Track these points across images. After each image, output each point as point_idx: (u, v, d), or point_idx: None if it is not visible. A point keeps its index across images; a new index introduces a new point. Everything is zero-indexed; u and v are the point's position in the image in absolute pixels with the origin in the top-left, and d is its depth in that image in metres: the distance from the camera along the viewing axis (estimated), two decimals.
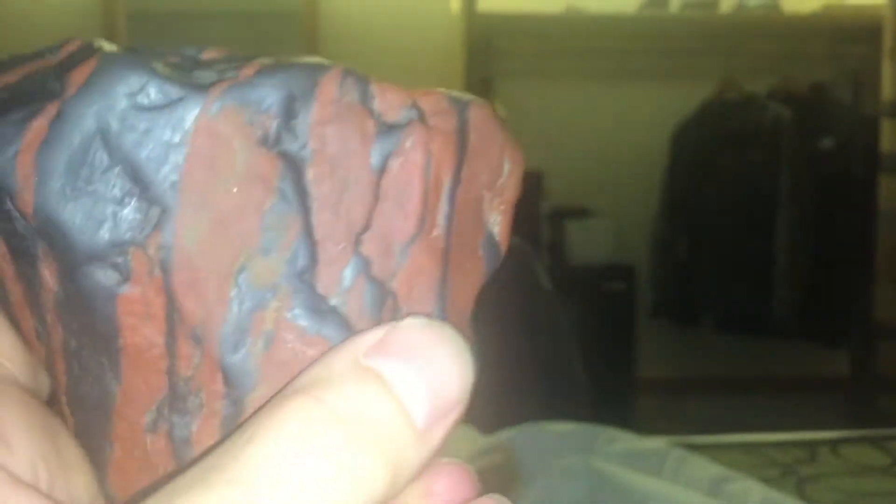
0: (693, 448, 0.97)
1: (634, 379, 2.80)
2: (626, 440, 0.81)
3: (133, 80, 0.18)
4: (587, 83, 3.02)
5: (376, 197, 0.19)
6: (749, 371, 3.04)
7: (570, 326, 1.74)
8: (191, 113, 0.18)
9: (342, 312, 0.19)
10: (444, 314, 0.20)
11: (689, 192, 2.92)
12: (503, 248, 0.22)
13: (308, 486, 0.16)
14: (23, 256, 0.19)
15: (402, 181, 0.19)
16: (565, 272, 2.77)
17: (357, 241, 0.19)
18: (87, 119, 0.18)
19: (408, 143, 0.19)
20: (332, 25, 2.84)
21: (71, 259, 0.18)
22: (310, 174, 0.19)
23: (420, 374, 0.17)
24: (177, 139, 0.18)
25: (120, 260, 0.18)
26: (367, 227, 0.19)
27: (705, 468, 0.77)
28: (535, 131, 2.98)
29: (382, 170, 0.19)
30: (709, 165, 2.89)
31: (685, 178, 2.93)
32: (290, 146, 0.19)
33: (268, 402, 0.17)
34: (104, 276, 0.18)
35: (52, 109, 0.18)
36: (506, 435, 0.85)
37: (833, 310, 2.84)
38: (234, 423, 0.19)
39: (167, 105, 0.18)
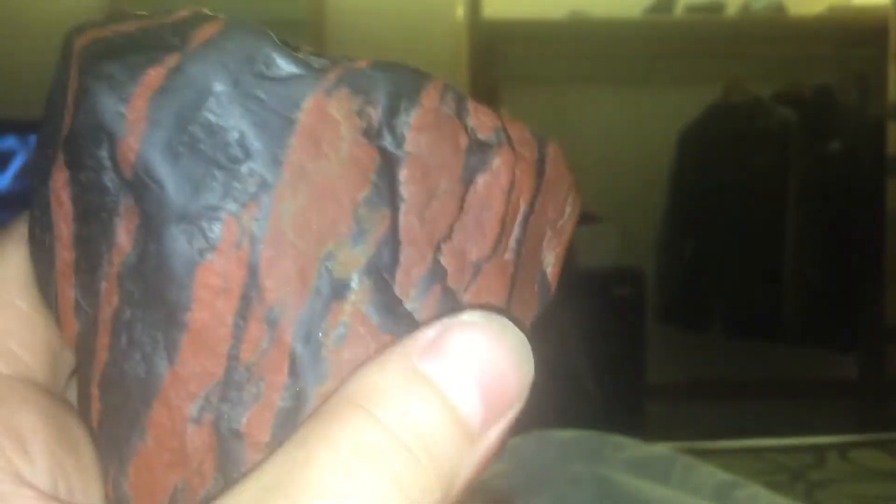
0: (702, 453, 0.97)
1: (643, 384, 2.79)
2: (633, 447, 0.80)
3: (258, 48, 0.19)
4: (592, 88, 3.02)
5: (460, 209, 0.19)
6: (758, 376, 3.03)
7: (578, 331, 1.74)
8: (307, 91, 0.18)
9: (416, 317, 0.19)
10: None
11: (696, 196, 2.92)
12: (553, 289, 0.22)
13: None
14: (94, 215, 0.19)
15: (486, 198, 0.19)
16: (572, 277, 2.76)
17: (437, 250, 0.19)
18: (206, 76, 0.18)
19: (496, 163, 0.19)
20: (338, 33, 2.85)
21: (160, 217, 0.18)
22: (402, 175, 0.19)
23: (476, 376, 0.17)
24: (290, 114, 0.18)
25: (212, 225, 0.18)
26: (448, 238, 0.19)
27: (713, 475, 0.77)
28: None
29: (469, 183, 0.19)
30: (715, 169, 2.89)
31: (692, 181, 2.93)
32: (389, 144, 0.19)
33: (322, 407, 0.17)
34: (191, 240, 0.18)
35: (171, 60, 0.18)
36: (512, 442, 0.85)
37: (842, 314, 2.83)
38: (290, 418, 0.18)
39: (286, 79, 0.18)
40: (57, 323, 0.20)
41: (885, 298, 2.66)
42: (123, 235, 0.18)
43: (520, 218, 0.20)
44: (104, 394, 0.19)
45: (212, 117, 0.18)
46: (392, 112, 0.19)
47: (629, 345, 2.77)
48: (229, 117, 0.18)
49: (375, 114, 0.19)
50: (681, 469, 0.78)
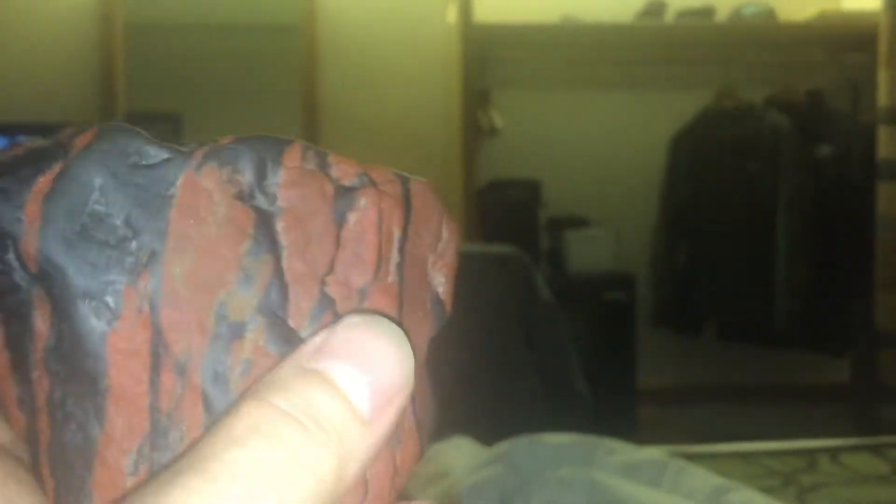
0: (693, 457, 0.97)
1: (635, 388, 2.80)
2: (625, 451, 0.80)
3: (130, 143, 0.21)
4: (584, 93, 3.03)
5: (337, 246, 0.21)
6: (750, 380, 3.04)
7: (570, 336, 1.74)
8: (178, 171, 0.21)
9: None
10: None
11: (687, 201, 2.93)
12: (448, 307, 0.24)
13: (261, 481, 0.17)
14: (15, 315, 0.21)
15: (359, 233, 0.22)
16: (565, 282, 2.77)
17: (322, 283, 0.21)
18: (88, 175, 0.21)
19: (362, 202, 0.22)
20: (331, 38, 2.85)
21: (67, 298, 0.20)
22: (279, 226, 0.21)
23: (360, 366, 0.19)
24: (166, 192, 0.21)
25: (112, 297, 0.20)
26: (331, 271, 0.21)
27: (705, 479, 0.77)
28: (532, 141, 2.98)
29: (341, 223, 0.21)
30: (707, 174, 2.90)
31: (684, 186, 2.94)
32: (262, 203, 0.21)
33: (230, 405, 0.19)
34: (98, 313, 0.20)
35: (56, 168, 0.21)
36: (505, 446, 0.84)
37: (833, 318, 2.84)
38: None
39: (158, 164, 0.21)
40: (7, 420, 0.22)
41: (877, 303, 2.67)
42: (41, 323, 0.21)
43: (395, 245, 0.22)
44: (53, 470, 0.21)
45: (98, 207, 0.20)
46: (259, 176, 0.21)
47: (621, 349, 2.77)
48: (113, 205, 0.20)
49: (244, 179, 0.21)
50: (673, 473, 0.78)
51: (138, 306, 0.20)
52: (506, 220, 2.86)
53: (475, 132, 2.80)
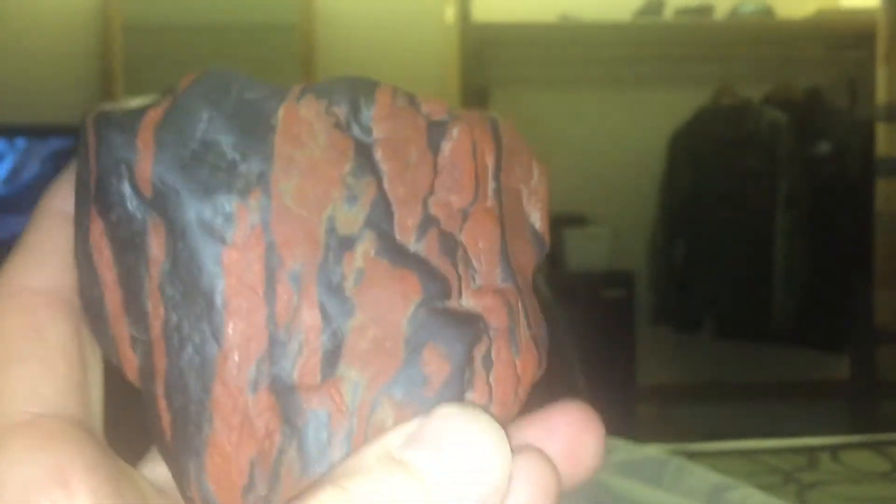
0: (693, 455, 0.97)
1: (634, 385, 2.80)
2: (625, 450, 0.80)
3: (233, 81, 0.22)
4: (583, 91, 3.03)
5: (435, 171, 0.22)
6: (749, 377, 3.04)
7: (569, 334, 1.74)
8: (279, 103, 0.22)
9: (421, 255, 0.21)
10: (509, 269, 0.22)
11: (686, 199, 2.93)
12: (546, 240, 0.24)
13: None
14: (129, 245, 0.21)
15: (455, 159, 0.22)
16: (563, 279, 2.77)
17: (425, 204, 0.22)
18: (196, 106, 0.21)
19: (455, 132, 0.22)
20: (329, 37, 2.85)
21: (182, 219, 0.21)
22: (377, 155, 0.22)
23: (452, 462, 0.17)
24: (269, 121, 0.21)
25: (225, 215, 0.21)
26: (431, 194, 0.22)
27: (705, 477, 0.77)
28: (531, 139, 2.94)
29: (436, 152, 0.22)
30: (706, 171, 2.90)
31: (683, 184, 2.94)
32: (358, 134, 0.22)
33: (307, 489, 0.19)
34: (212, 231, 0.21)
35: (165, 103, 0.22)
36: None
37: (832, 315, 2.84)
38: (333, 356, 0.20)
39: (259, 98, 0.22)
40: (120, 367, 0.22)
41: (876, 299, 2.67)
42: (156, 248, 0.21)
43: (490, 172, 0.23)
44: (170, 402, 0.21)
45: (206, 136, 0.21)
46: (354, 109, 0.22)
47: (620, 347, 2.77)
48: (220, 133, 0.21)
49: (341, 111, 0.22)
50: (673, 471, 0.78)
51: (250, 222, 0.21)
52: None
53: None
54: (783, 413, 2.80)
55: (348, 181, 0.21)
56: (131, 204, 0.21)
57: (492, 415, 0.19)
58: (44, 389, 0.21)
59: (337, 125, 0.22)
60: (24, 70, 2.72)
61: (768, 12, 3.00)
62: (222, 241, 0.21)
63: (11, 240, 0.24)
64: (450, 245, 0.22)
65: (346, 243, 0.21)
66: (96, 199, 0.22)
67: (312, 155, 0.21)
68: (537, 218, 0.24)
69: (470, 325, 0.21)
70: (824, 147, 2.85)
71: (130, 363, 0.22)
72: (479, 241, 0.22)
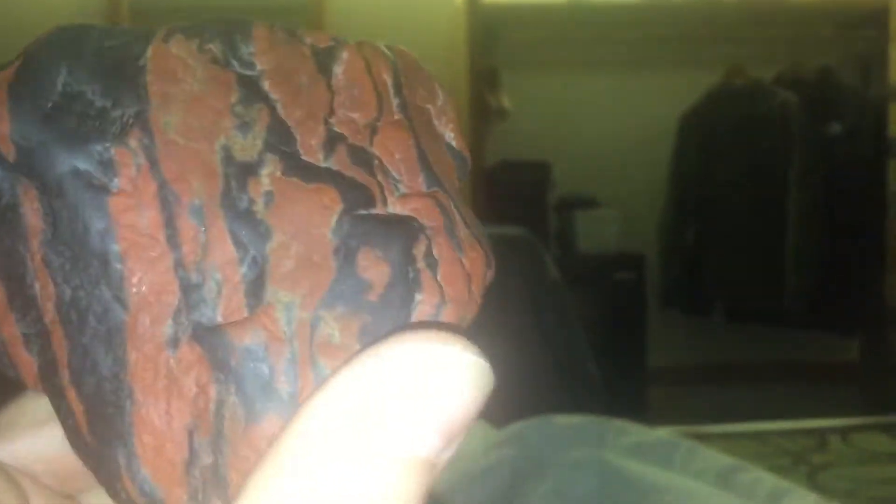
0: (704, 437, 0.97)
1: (645, 368, 2.80)
2: (636, 432, 0.80)
3: (91, 29, 0.20)
4: (593, 72, 3.02)
5: (332, 92, 0.20)
6: (760, 359, 3.04)
7: (580, 317, 1.74)
8: (145, 44, 0.20)
9: (334, 169, 0.19)
10: (433, 175, 0.20)
11: (697, 180, 2.92)
12: (467, 156, 0.22)
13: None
14: (1, 226, 0.19)
15: (350, 78, 0.20)
16: (574, 262, 2.77)
17: (326, 123, 0.20)
18: (52, 58, 0.19)
19: (344, 55, 0.21)
20: (338, 19, 2.84)
21: (56, 174, 0.18)
22: (265, 84, 0.20)
23: (425, 404, 0.16)
24: (137, 63, 0.19)
25: (104, 159, 0.18)
26: (331, 113, 0.20)
27: (715, 459, 0.77)
28: (541, 121, 2.97)
29: (329, 75, 0.20)
30: (717, 153, 2.89)
31: (693, 166, 2.92)
32: (239, 68, 0.20)
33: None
34: (92, 181, 0.18)
35: (17, 61, 0.20)
36: (516, 428, 0.85)
37: (844, 297, 2.83)
38: (257, 284, 0.18)
39: (122, 43, 0.20)
40: (19, 377, 0.20)
41: (887, 281, 2.66)
42: (32, 217, 0.19)
43: (391, 88, 0.21)
44: (79, 389, 0.18)
45: (68, 87, 0.19)
46: (231, 46, 0.20)
47: (631, 329, 2.77)
48: (83, 82, 0.19)
49: (216, 48, 0.20)
50: (684, 453, 0.78)
51: (135, 164, 0.18)
52: (515, 201, 2.86)
53: (483, 113, 2.79)
54: (793, 395, 2.79)
55: (237, 110, 0.19)
56: None
57: (448, 318, 0.18)
58: None
59: (214, 61, 0.20)
60: None
61: None
62: (106, 190, 0.18)
63: None
64: (363, 157, 0.19)
65: (248, 169, 0.19)
66: None
67: (191, 89, 0.19)
68: (452, 137, 0.22)
69: (402, 225, 0.19)
70: (836, 127, 2.84)
71: (28, 366, 0.19)
72: (395, 153, 0.20)
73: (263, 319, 0.18)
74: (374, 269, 0.18)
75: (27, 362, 0.19)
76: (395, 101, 0.21)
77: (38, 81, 0.19)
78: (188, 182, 0.18)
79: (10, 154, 0.19)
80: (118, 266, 0.18)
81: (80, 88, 0.19)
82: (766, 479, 0.76)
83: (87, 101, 0.19)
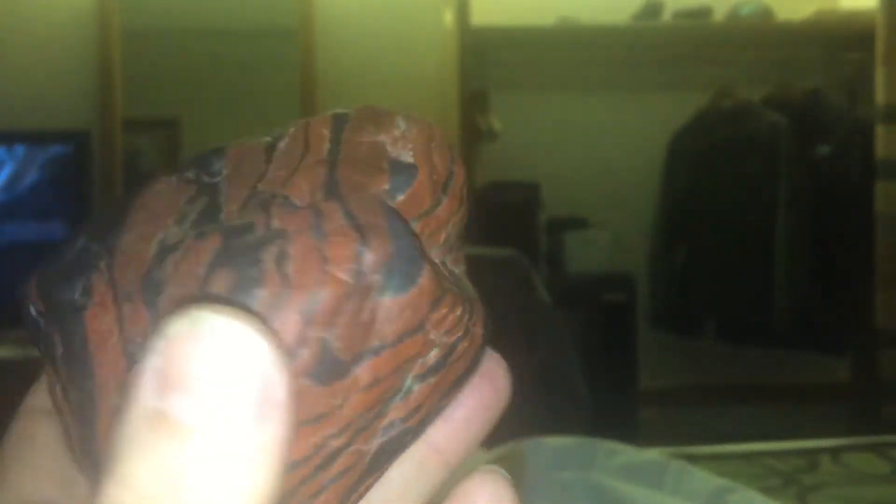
0: (695, 458, 0.97)
1: (635, 389, 2.79)
2: (626, 453, 0.80)
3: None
4: (582, 94, 3.03)
5: (269, 163, 0.22)
6: (750, 380, 3.04)
7: (570, 337, 1.74)
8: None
9: (226, 221, 0.21)
10: (334, 187, 0.21)
11: (686, 201, 2.93)
12: (417, 168, 0.22)
13: None
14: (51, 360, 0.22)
15: (289, 143, 0.22)
16: (564, 283, 2.77)
17: (254, 188, 0.21)
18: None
19: (291, 129, 0.23)
20: (328, 42, 2.85)
21: (62, 311, 0.21)
22: (221, 183, 0.22)
23: (216, 398, 0.16)
24: (129, 204, 0.22)
25: (86, 287, 0.21)
26: (262, 178, 0.21)
27: (706, 480, 0.77)
28: (531, 143, 2.98)
29: (273, 150, 0.22)
30: (706, 174, 2.90)
31: (682, 187, 2.94)
32: (206, 179, 0.22)
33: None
34: (77, 305, 0.21)
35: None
36: (506, 449, 0.84)
37: (833, 317, 2.84)
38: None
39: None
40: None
41: (876, 301, 2.67)
42: (58, 341, 0.22)
43: (327, 136, 0.22)
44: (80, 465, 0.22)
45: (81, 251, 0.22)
46: (205, 166, 0.23)
47: (621, 350, 2.77)
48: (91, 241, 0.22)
49: (192, 173, 0.23)
50: (674, 474, 0.78)
51: (103, 281, 0.21)
52: (505, 221, 2.86)
53: (473, 135, 2.80)
54: (784, 415, 2.79)
55: (183, 208, 0.21)
56: (42, 322, 0.22)
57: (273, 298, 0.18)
58: (32, 486, 0.23)
59: (187, 181, 0.22)
60: (23, 76, 2.72)
61: (767, 14, 3.00)
62: (84, 308, 0.21)
63: (11, 246, 0.26)
64: (264, 199, 0.20)
65: (170, 249, 0.20)
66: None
67: (156, 205, 0.22)
68: (410, 155, 0.22)
69: (261, 238, 0.19)
70: (824, 149, 2.85)
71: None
72: (304, 185, 0.21)
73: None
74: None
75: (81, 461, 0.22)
76: (325, 147, 0.22)
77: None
78: (126, 275, 0.21)
79: (40, 305, 0.22)
80: (90, 358, 0.21)
81: (89, 245, 0.22)
82: (757, 500, 0.75)
83: (87, 249, 0.22)
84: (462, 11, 2.72)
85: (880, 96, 2.62)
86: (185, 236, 0.20)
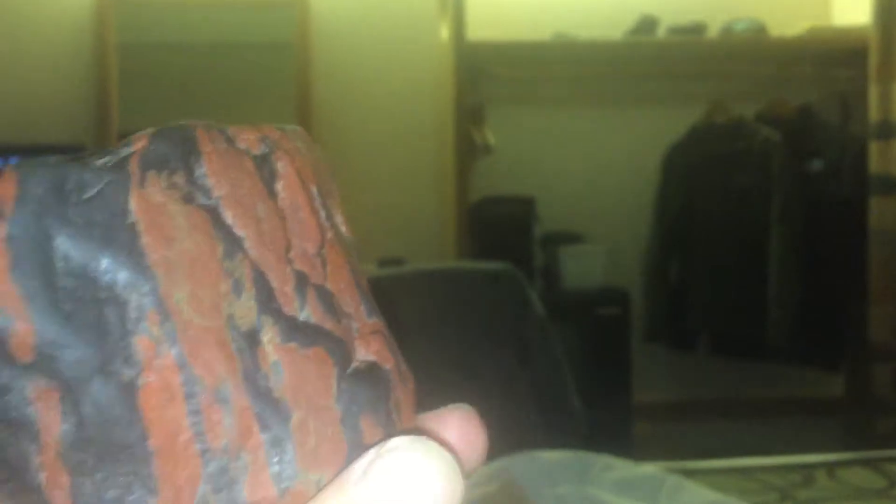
0: (689, 473, 0.96)
1: (630, 403, 2.79)
2: (620, 468, 0.80)
3: (64, 178, 0.19)
4: (577, 109, 3.04)
5: (282, 219, 0.21)
6: (744, 395, 3.03)
7: (564, 352, 1.74)
8: (125, 192, 0.19)
9: (313, 321, 0.21)
10: (369, 300, 0.22)
11: (680, 216, 2.93)
12: (353, 238, 0.24)
13: None
14: (1, 423, 0.19)
15: (292, 199, 0.22)
16: (559, 297, 2.77)
17: (290, 262, 0.21)
18: (37, 229, 0.19)
19: (280, 167, 0.22)
20: (324, 55, 2.85)
21: (82, 374, 0.19)
22: (227, 217, 0.20)
23: (404, 494, 0.18)
24: (125, 222, 0.19)
25: (130, 353, 0.19)
26: (289, 247, 0.21)
27: (701, 494, 0.77)
28: (526, 157, 2.99)
29: (274, 196, 0.21)
30: (699, 189, 2.91)
31: (676, 202, 2.94)
32: (203, 199, 0.20)
33: None
34: (119, 375, 0.19)
35: (1, 232, 0.19)
36: (501, 463, 0.84)
37: (827, 332, 2.84)
38: (283, 463, 0.19)
39: (101, 190, 0.19)
40: None
41: (870, 316, 2.67)
42: (47, 416, 0.19)
43: (317, 200, 0.22)
44: None
45: (69, 263, 0.19)
46: (189, 172, 0.20)
47: (615, 364, 2.77)
48: (82, 258, 0.19)
49: (181, 181, 0.20)
50: (669, 489, 0.78)
51: (157, 351, 0.19)
52: (499, 236, 2.86)
53: (468, 149, 2.80)
54: (779, 430, 2.79)
55: (226, 266, 0.20)
56: (3, 374, 0.19)
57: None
58: None
59: (185, 198, 0.20)
60: (19, 89, 2.72)
61: (761, 30, 3.02)
62: (133, 383, 0.19)
63: None
64: (327, 300, 0.21)
65: (252, 338, 0.20)
66: None
67: (185, 247, 0.19)
68: (341, 221, 0.24)
69: (379, 380, 0.21)
70: (817, 164, 2.86)
71: None
72: (340, 283, 0.22)
73: (298, 497, 0.19)
74: (372, 434, 0.21)
75: None
76: (322, 214, 0.22)
77: (38, 264, 0.19)
78: (209, 366, 0.19)
79: (28, 357, 0.19)
80: (149, 458, 0.19)
81: (82, 263, 0.19)
82: None
83: (93, 279, 0.19)
84: (458, 26, 2.73)
85: (873, 112, 2.64)
86: (259, 323, 0.20)
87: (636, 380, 2.83)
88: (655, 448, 2.67)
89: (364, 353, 0.21)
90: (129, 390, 0.18)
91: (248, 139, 0.22)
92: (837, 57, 2.99)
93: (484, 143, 2.92)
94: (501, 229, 2.88)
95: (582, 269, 2.88)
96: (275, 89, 2.86)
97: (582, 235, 2.98)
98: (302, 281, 0.21)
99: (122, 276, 0.19)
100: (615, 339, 2.80)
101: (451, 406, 0.23)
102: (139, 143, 0.21)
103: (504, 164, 2.96)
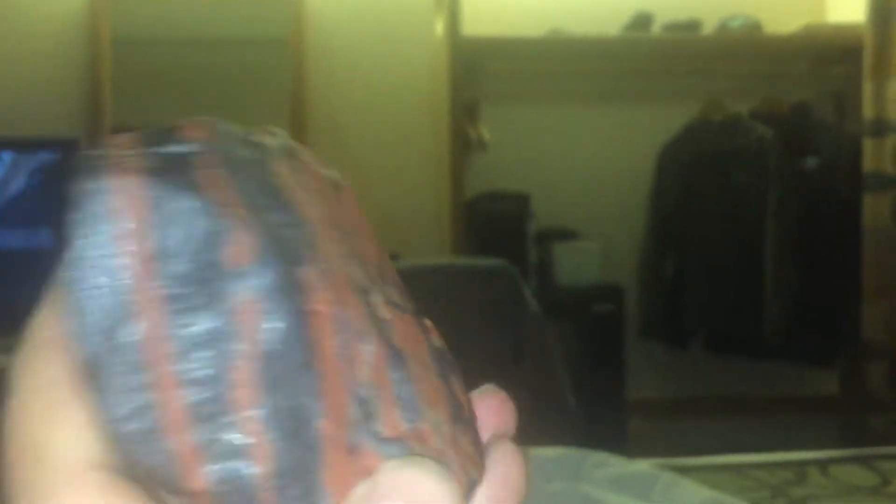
0: (683, 470, 0.97)
1: (624, 400, 2.79)
2: (614, 465, 0.80)
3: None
4: (572, 105, 3.04)
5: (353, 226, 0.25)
6: (739, 392, 3.04)
7: (559, 348, 1.74)
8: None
9: (396, 300, 0.23)
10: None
11: (675, 213, 2.93)
12: None
13: None
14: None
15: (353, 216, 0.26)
16: (553, 294, 2.77)
17: (379, 249, 0.25)
18: (252, 153, 0.25)
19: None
20: (319, 52, 2.85)
21: (273, 294, 0.21)
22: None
23: None
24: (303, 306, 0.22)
25: (301, 283, 0.21)
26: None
27: (695, 492, 0.77)
28: (521, 153, 2.99)
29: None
30: (694, 186, 2.91)
31: (671, 198, 2.94)
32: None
33: None
34: (295, 301, 0.21)
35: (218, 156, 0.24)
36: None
37: (822, 329, 2.85)
38: (411, 404, 0.21)
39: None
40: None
41: (864, 314, 2.68)
42: (250, 325, 0.21)
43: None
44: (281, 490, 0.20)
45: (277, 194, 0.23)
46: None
47: (610, 361, 2.77)
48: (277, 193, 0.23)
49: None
50: (663, 486, 0.78)
51: (317, 286, 0.21)
52: (494, 232, 2.86)
53: (463, 145, 2.80)
54: (773, 427, 2.80)
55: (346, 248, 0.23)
56: None
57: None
58: (87, 438, 0.20)
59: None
60: (12, 83, 2.71)
61: (756, 27, 3.02)
62: (304, 312, 0.21)
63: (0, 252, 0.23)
64: (398, 283, 0.25)
65: (367, 294, 0.22)
66: None
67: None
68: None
69: (446, 354, 0.24)
70: (812, 161, 2.87)
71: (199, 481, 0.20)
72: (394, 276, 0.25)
73: (423, 435, 0.21)
74: (460, 391, 0.23)
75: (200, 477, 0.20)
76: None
77: (255, 181, 0.24)
78: (349, 305, 0.21)
79: (244, 264, 0.21)
80: (317, 380, 0.20)
81: (284, 200, 0.22)
82: None
83: (289, 214, 0.22)
84: (453, 21, 2.73)
85: (868, 110, 2.64)
86: (370, 288, 0.22)
87: (631, 377, 2.83)
88: (650, 445, 2.67)
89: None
90: (302, 316, 0.20)
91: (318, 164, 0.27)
92: (832, 54, 2.99)
93: (479, 139, 2.92)
94: (496, 225, 2.88)
95: (577, 265, 2.88)
96: (269, 85, 2.85)
97: (577, 232, 2.98)
98: (384, 264, 0.24)
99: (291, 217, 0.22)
100: (610, 335, 2.80)
101: (483, 387, 0.25)
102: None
103: (499, 160, 2.96)
